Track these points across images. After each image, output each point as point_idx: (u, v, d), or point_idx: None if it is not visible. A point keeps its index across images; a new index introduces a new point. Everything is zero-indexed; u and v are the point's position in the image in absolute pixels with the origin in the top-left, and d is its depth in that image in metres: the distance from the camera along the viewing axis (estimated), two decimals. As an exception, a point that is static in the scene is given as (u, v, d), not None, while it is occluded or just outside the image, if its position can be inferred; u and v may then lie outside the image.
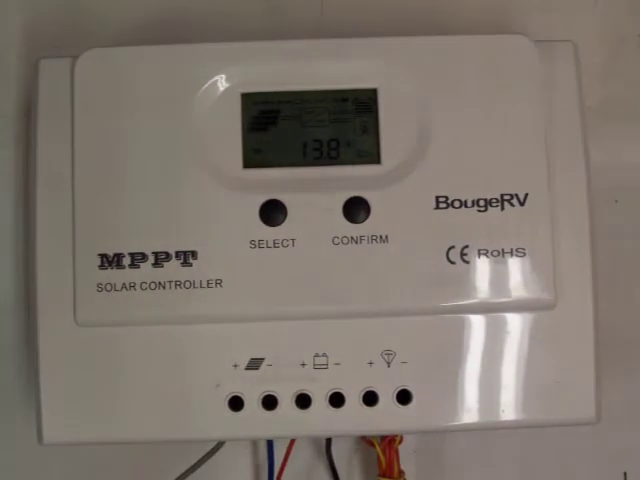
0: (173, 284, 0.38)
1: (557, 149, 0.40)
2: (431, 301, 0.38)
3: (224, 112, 0.40)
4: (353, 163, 0.40)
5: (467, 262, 0.38)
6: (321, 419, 0.39)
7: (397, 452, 0.42)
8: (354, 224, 0.39)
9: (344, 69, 0.40)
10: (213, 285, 0.38)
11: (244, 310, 0.38)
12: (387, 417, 0.39)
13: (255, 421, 0.39)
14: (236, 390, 0.38)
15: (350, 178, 0.39)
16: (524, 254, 0.38)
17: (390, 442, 0.42)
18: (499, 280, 0.38)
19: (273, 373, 0.39)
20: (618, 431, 0.45)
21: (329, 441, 0.44)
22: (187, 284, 0.38)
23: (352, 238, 0.38)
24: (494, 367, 0.39)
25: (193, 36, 0.46)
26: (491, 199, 0.39)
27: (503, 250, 0.38)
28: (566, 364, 0.39)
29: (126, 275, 0.38)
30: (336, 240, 0.38)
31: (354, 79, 0.40)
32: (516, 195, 0.39)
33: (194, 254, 0.38)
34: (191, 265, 0.38)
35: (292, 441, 0.42)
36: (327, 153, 0.40)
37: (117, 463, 0.45)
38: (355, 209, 0.39)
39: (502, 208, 0.39)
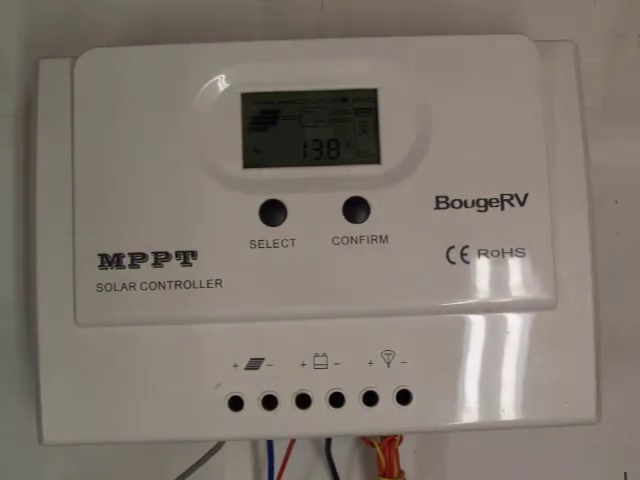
0: (173, 284, 0.38)
1: (557, 149, 0.40)
2: (431, 301, 0.38)
3: (224, 112, 0.40)
4: (353, 163, 0.40)
5: (467, 262, 0.38)
6: (321, 419, 0.39)
7: (397, 452, 0.42)
8: (354, 224, 0.39)
9: (344, 69, 0.40)
10: (213, 285, 0.38)
11: (244, 310, 0.38)
12: (387, 417, 0.39)
13: (255, 421, 0.38)
14: (236, 390, 0.38)
15: (350, 178, 0.39)
16: (524, 254, 0.38)
17: (390, 442, 0.42)
18: (499, 280, 0.38)
19: (273, 373, 0.39)
20: (618, 431, 0.45)
21: (329, 441, 0.44)
22: (187, 284, 0.38)
23: (352, 238, 0.38)
24: (494, 367, 0.39)
25: (193, 36, 0.46)
26: (491, 199, 0.39)
27: (503, 250, 0.38)
28: (566, 364, 0.39)
29: (126, 275, 0.38)
30: (336, 240, 0.38)
31: (354, 79, 0.40)
32: (516, 195, 0.39)
33: (194, 254, 0.38)
34: (191, 265, 0.38)
35: (292, 441, 0.42)
36: (327, 153, 0.40)
37: (117, 463, 0.45)
38: (355, 209, 0.39)
39: (502, 208, 0.39)
